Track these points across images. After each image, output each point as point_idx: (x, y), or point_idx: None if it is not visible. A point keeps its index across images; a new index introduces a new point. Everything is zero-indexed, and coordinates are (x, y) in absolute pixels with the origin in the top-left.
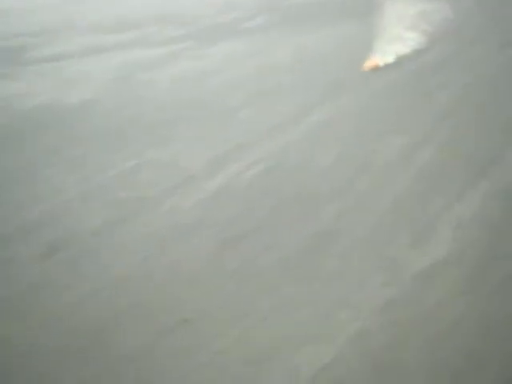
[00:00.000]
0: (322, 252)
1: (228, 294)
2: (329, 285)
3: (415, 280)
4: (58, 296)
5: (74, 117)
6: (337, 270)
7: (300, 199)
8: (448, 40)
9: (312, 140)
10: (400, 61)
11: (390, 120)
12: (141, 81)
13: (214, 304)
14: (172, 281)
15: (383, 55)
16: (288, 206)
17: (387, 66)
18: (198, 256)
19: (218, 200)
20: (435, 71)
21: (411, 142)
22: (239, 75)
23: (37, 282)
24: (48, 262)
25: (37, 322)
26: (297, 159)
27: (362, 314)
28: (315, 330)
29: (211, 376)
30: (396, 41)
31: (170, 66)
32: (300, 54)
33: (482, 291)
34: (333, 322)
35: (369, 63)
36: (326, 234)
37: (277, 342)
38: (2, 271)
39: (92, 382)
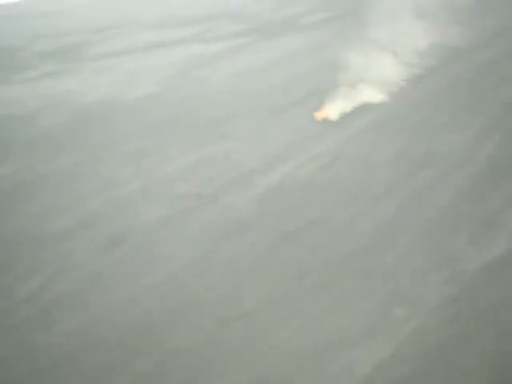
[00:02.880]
0: (380, 248)
1: (286, 288)
2: (387, 281)
3: (474, 277)
4: (115, 291)
5: (133, 112)
6: (395, 266)
7: (357, 195)
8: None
9: (369, 136)
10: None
11: (447, 116)
12: (200, 76)
13: (272, 297)
14: (229, 275)
15: (337, 106)
16: (344, 201)
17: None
18: (254, 251)
19: (274, 196)
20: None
21: (470, 139)
22: (298, 71)
23: (95, 275)
24: (107, 255)
25: (95, 315)
26: (353, 155)
27: (420, 310)
28: (372, 327)
29: (269, 368)
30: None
31: (230, 62)
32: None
33: None
34: (390, 318)
35: (319, 114)
36: (383, 230)
37: (334, 336)
38: (63, 265)
39: (147, 375)
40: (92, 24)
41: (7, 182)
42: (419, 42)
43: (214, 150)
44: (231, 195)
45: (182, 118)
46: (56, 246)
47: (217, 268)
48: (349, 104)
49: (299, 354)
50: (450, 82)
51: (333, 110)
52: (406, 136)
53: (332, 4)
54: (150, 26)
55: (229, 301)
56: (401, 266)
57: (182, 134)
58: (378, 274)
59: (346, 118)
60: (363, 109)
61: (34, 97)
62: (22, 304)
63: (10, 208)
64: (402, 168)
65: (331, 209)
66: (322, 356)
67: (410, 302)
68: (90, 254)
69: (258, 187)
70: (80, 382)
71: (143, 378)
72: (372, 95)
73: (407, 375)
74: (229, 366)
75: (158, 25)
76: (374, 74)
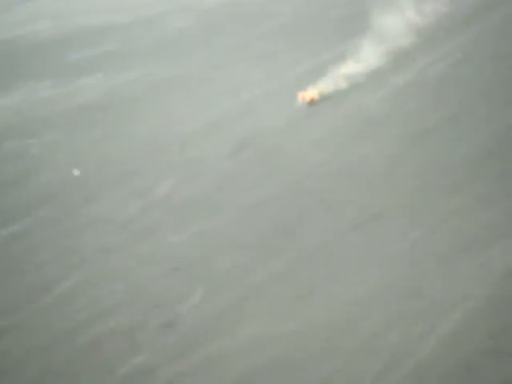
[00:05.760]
0: None
1: (416, 189)
2: None
3: None
4: (245, 194)
5: (261, 14)
6: None
7: (490, 92)
8: None
9: (502, 31)
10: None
11: None
12: None
13: (400, 199)
14: (358, 177)
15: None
16: (477, 99)
17: None
18: (384, 151)
19: (404, 95)
20: None
21: None
22: None
23: (224, 179)
24: (234, 159)
25: (227, 217)
26: (487, 51)
27: None
28: (506, 229)
29: (399, 270)
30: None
31: None
32: None
33: None
34: None
35: (304, 95)
36: None
37: (467, 238)
38: (193, 168)
39: (278, 275)
40: None
41: (137, 87)
42: None
43: (342, 49)
44: (360, 94)
45: (310, 19)
46: (185, 150)
47: (346, 169)
48: None
49: (431, 256)
50: None
51: (326, 85)
52: None
53: None
54: None
55: (358, 202)
56: None
57: (311, 35)
58: (510, 175)
59: (472, 15)
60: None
61: (162, 0)
62: (156, 206)
63: (141, 112)
64: None
65: (463, 107)
66: (456, 256)
67: None
68: (219, 157)
69: (388, 86)
70: (213, 283)
71: (274, 278)
72: None
73: None
74: (360, 267)
75: None
76: None
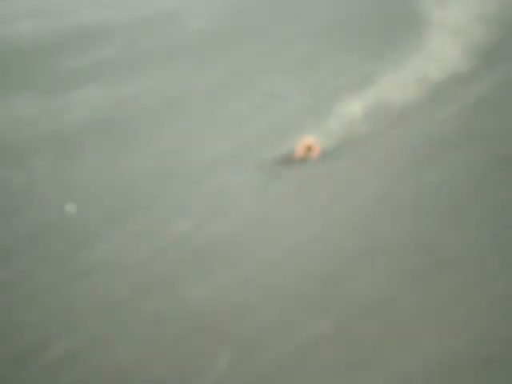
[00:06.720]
0: None
1: (487, 228)
2: None
3: None
4: (281, 234)
5: (297, 9)
6: None
7: None
8: None
9: None
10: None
11: None
12: None
13: (475, 243)
14: (420, 213)
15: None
16: None
17: None
18: (452, 183)
19: (486, 109)
20: None
21: None
22: None
23: (255, 215)
24: (267, 191)
25: (259, 264)
26: None
27: None
28: None
29: (483, 327)
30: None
31: None
32: None
33: None
34: None
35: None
36: None
37: None
38: (215, 203)
39: (324, 336)
40: None
41: (144, 102)
42: None
43: (400, 49)
44: (427, 108)
45: (355, 17)
46: (207, 179)
47: (405, 203)
48: None
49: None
50: None
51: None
52: None
53: None
54: None
55: (420, 245)
56: None
57: (358, 36)
58: None
59: None
60: None
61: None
62: (171, 249)
63: (149, 134)
64: None
65: None
66: None
67: None
68: (248, 189)
69: (465, 97)
70: (243, 345)
71: (319, 341)
72: None
73: None
74: (427, 328)
75: None
76: None
